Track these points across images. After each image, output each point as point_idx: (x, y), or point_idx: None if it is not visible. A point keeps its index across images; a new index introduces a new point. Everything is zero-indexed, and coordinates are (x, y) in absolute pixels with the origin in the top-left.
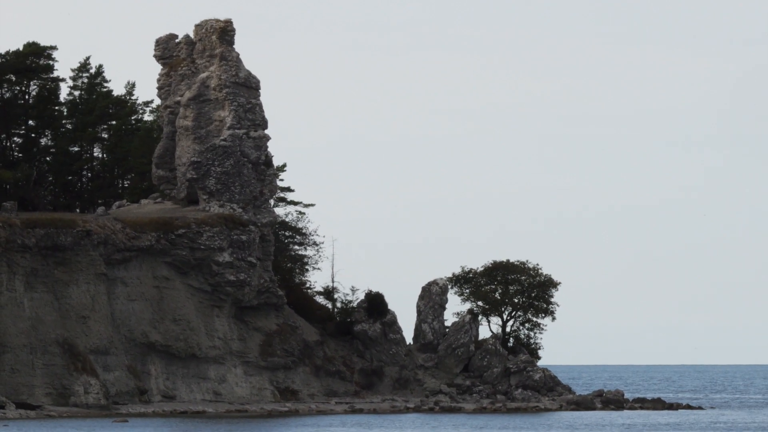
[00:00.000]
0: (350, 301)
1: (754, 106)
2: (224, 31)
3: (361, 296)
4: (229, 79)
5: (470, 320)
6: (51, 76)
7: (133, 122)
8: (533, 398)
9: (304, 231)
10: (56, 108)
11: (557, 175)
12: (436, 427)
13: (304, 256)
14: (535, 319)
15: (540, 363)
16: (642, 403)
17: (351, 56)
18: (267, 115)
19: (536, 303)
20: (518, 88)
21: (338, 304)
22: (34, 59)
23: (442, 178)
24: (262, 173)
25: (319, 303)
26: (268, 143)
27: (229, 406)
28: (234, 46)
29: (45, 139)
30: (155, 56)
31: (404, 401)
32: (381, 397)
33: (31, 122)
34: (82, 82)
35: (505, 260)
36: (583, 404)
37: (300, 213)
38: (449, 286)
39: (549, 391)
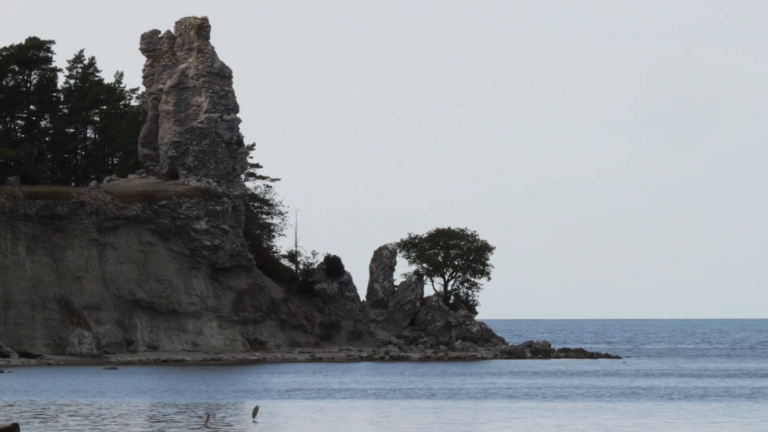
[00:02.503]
0: (311, 264)
1: (667, 94)
2: (201, 27)
3: (321, 259)
4: (206, 69)
5: (416, 280)
6: (49, 66)
7: (122, 107)
8: (471, 348)
9: (271, 202)
10: (54, 94)
11: (493, 154)
12: (385, 373)
13: (271, 224)
14: (472, 279)
15: (477, 317)
16: (566, 353)
17: (312, 49)
18: (238, 100)
19: (474, 265)
20: (460, 78)
21: (301, 266)
22: (34, 52)
23: (392, 156)
24: (234, 151)
25: (284, 265)
26: (240, 125)
27: (206, 355)
28: (209, 41)
29: (44, 122)
30: (141, 49)
31: (358, 351)
32: (338, 348)
33: (32, 107)
34: (77, 72)
35: (446, 228)
36: (514, 353)
37: (267, 186)
38: (398, 250)
39: (485, 342)
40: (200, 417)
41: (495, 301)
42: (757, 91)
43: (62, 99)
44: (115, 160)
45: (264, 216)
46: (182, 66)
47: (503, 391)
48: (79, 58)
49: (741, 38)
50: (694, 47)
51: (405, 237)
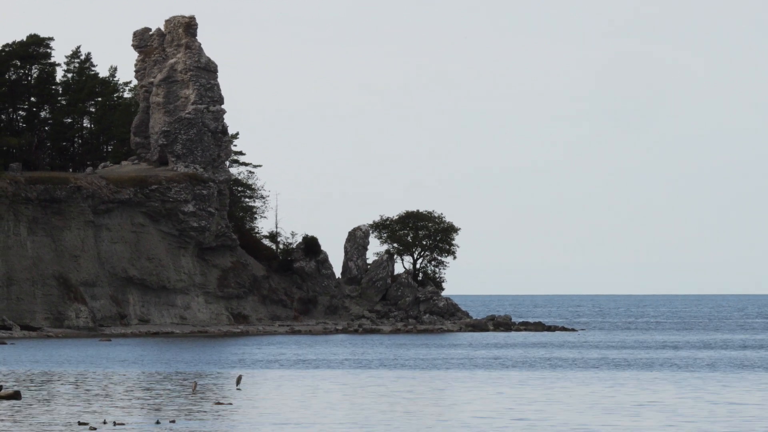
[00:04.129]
0: (290, 243)
1: (615, 87)
2: (189, 25)
3: (299, 239)
4: (193, 64)
5: (387, 259)
6: (49, 61)
7: (115, 99)
8: (438, 322)
9: (253, 186)
10: (53, 87)
11: (458, 142)
12: (358, 345)
13: (253, 207)
14: (439, 257)
15: (444, 293)
16: (526, 326)
17: (290, 45)
18: (223, 92)
19: (441, 245)
20: (427, 72)
21: (281, 246)
22: (35, 48)
23: (365, 143)
24: (220, 140)
25: (265, 245)
26: (224, 116)
27: (193, 328)
28: (197, 37)
29: (44, 113)
30: (133, 46)
31: (334, 324)
32: (315, 321)
33: (32, 99)
34: (74, 67)
35: (415, 210)
36: (478, 326)
37: (250, 172)
38: (370, 231)
39: (451, 315)
40: (188, 385)
41: (460, 278)
42: (698, 83)
43: (60, 91)
44: (110, 148)
45: (247, 199)
46: (171, 61)
47: (467, 361)
48: (76, 53)
49: (681, 34)
50: (642, 43)
51: (377, 219)
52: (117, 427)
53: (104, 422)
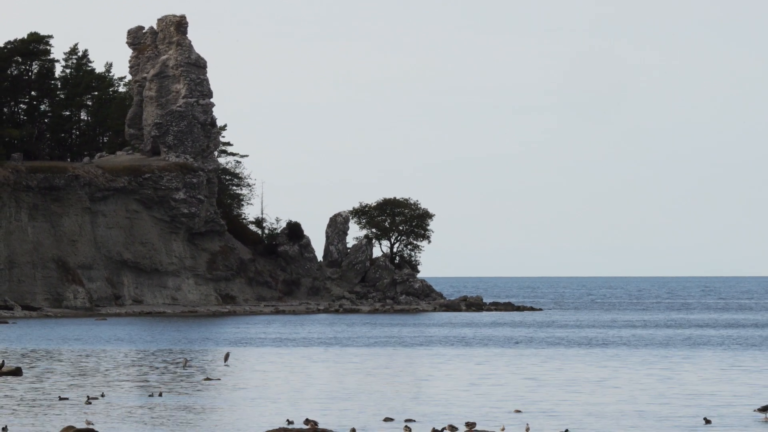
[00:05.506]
0: (275, 229)
1: (581, 81)
2: (180, 24)
3: (284, 225)
4: (184, 60)
5: (366, 243)
6: (48, 58)
7: (111, 93)
8: (414, 302)
9: (240, 175)
10: (52, 82)
11: (433, 133)
12: (337, 323)
13: (240, 194)
14: (415, 242)
15: (419, 275)
16: (496, 306)
17: (275, 43)
18: (212, 87)
19: (416, 230)
20: (404, 67)
21: (266, 231)
22: (35, 45)
23: (346, 135)
24: (209, 131)
25: (252, 230)
26: (213, 109)
27: (183, 308)
28: (187, 35)
29: (43, 106)
30: (127, 43)
31: (316, 304)
32: (298, 301)
33: (33, 93)
34: (72, 63)
35: (393, 197)
36: (451, 306)
37: (237, 161)
38: (350, 217)
39: (426, 296)
40: (179, 361)
41: (435, 261)
42: (657, 78)
43: (59, 86)
44: (105, 139)
45: (234, 187)
46: (163, 57)
47: (442, 338)
48: (74, 50)
49: (641, 33)
50: (604, 41)
51: (356, 205)
52: (102, 399)
53: (87, 398)
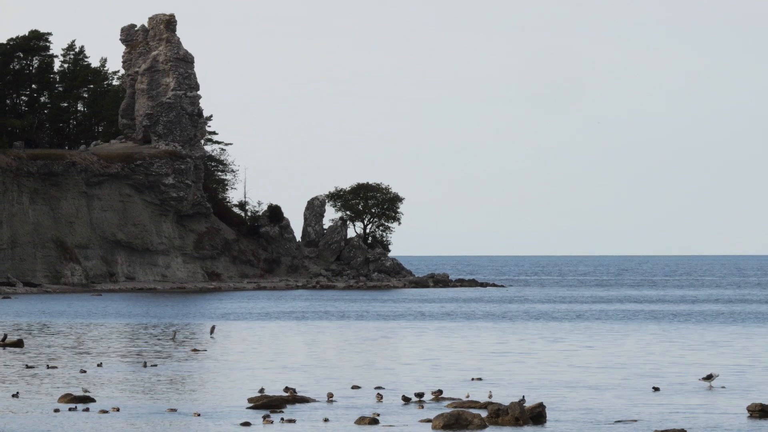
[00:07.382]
0: (257, 211)
1: (540, 75)
2: (169, 22)
3: (265, 208)
4: (173, 56)
5: (341, 224)
6: (47, 53)
7: (105, 86)
8: (385, 279)
9: (225, 162)
10: (51, 76)
11: (404, 122)
12: (315, 299)
13: (225, 179)
14: (386, 223)
15: (390, 254)
16: (462, 283)
17: (257, 39)
18: (199, 80)
19: (387, 212)
20: (377, 61)
21: (249, 213)
22: (35, 41)
23: (323, 123)
24: (196, 121)
25: (235, 212)
26: (200, 100)
27: (172, 285)
28: (176, 32)
29: (43, 98)
30: (120, 39)
31: (295, 281)
32: (279, 278)
33: (33, 86)
34: (70, 58)
35: (366, 182)
36: (420, 283)
37: (222, 149)
38: (326, 201)
39: (396, 273)
40: (168, 334)
41: (405, 241)
42: (613, 72)
43: (58, 79)
44: (100, 129)
45: (219, 173)
46: (154, 53)
47: (410, 312)
48: (71, 46)
49: (596, 30)
50: (560, 38)
51: (332, 189)
52: (99, 369)
53: (83, 369)
